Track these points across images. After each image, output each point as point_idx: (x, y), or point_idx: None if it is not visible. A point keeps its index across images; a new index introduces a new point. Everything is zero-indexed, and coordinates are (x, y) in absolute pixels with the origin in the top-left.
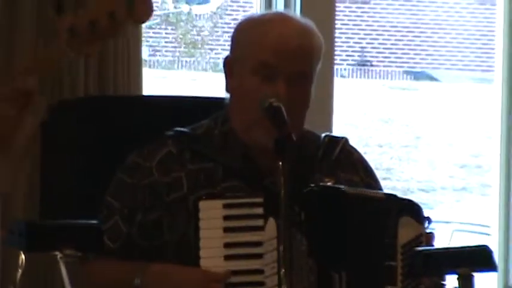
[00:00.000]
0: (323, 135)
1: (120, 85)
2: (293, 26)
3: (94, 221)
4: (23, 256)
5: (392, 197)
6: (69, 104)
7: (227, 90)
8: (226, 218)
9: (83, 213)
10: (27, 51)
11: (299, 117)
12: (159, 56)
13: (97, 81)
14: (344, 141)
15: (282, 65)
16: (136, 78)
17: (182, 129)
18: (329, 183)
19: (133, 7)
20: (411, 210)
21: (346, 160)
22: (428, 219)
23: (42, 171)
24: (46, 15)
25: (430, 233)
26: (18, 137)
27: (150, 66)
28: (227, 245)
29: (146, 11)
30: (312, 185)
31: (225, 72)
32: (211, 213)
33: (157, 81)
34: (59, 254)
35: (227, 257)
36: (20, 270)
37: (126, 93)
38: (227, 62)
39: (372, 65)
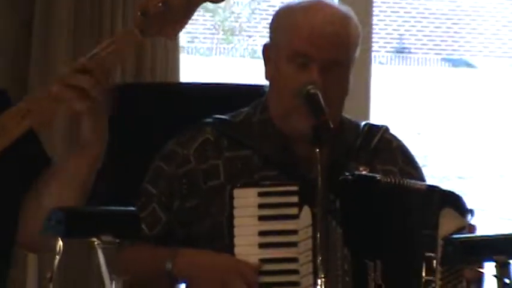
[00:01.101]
0: (363, 123)
1: (158, 72)
2: (329, 13)
3: (131, 208)
4: (60, 243)
5: (434, 188)
6: (107, 91)
7: (266, 77)
8: (261, 206)
9: (121, 200)
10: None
11: (336, 104)
12: (197, 42)
13: (134, 68)
14: (384, 129)
15: (316, 53)
16: (174, 65)
17: (220, 116)
18: (364, 172)
19: None
20: (454, 202)
21: (385, 149)
22: (471, 211)
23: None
24: (82, 9)
25: (473, 225)
26: (81, 129)
27: (188, 53)
28: (261, 233)
29: None
30: (347, 173)
31: (264, 60)
32: (246, 202)
33: (195, 68)
34: (96, 241)
35: (261, 245)
36: (57, 257)
37: (164, 80)
38: (265, 49)
39: (410, 52)
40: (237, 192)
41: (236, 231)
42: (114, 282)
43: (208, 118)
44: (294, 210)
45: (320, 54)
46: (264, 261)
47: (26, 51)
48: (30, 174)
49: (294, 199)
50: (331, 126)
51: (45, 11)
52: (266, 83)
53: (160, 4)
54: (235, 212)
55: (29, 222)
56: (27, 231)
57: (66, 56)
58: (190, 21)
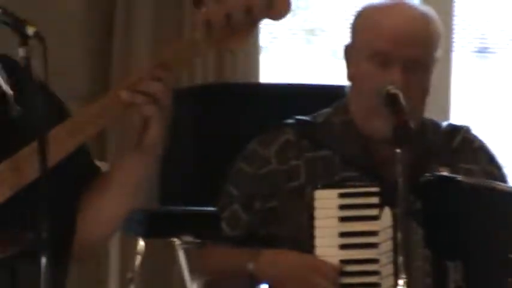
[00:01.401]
0: (444, 124)
1: (239, 72)
2: (409, 13)
3: (212, 208)
4: (141, 243)
5: None
6: (188, 92)
7: (348, 78)
8: (341, 207)
9: (201, 201)
10: (146, 49)
11: (417, 104)
12: (278, 42)
13: (215, 69)
14: (465, 130)
15: (397, 52)
16: (255, 66)
17: (301, 117)
18: (445, 173)
19: (273, 4)
20: None
21: (467, 149)
22: None
23: (161, 158)
24: (163, 13)
25: None
26: (146, 135)
27: (268, 53)
28: (342, 235)
29: (285, 9)
30: (428, 174)
31: (345, 60)
32: (327, 203)
33: (276, 68)
34: (177, 241)
35: (342, 246)
36: (138, 257)
37: (245, 81)
38: (347, 49)
39: (492, 52)
40: (317, 193)
41: (317, 232)
42: (194, 283)
43: (289, 119)
44: (374, 211)
45: (401, 53)
46: (345, 262)
47: (108, 55)
48: (82, 183)
49: (375, 200)
50: (412, 126)
51: (126, 14)
52: (347, 83)
53: (222, 17)
54: (316, 213)
55: (83, 232)
56: (80, 241)
57: (148, 60)
58: (270, 21)
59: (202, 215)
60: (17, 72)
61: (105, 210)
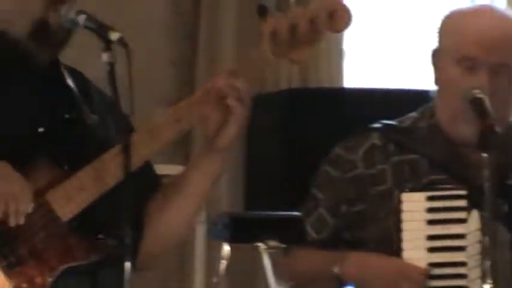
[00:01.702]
0: None
1: (323, 77)
2: (497, 17)
3: (297, 213)
4: (226, 248)
5: None
6: (273, 97)
7: (435, 82)
8: (429, 210)
9: (287, 205)
10: (229, 57)
11: (504, 109)
12: (361, 47)
13: (300, 74)
14: None
15: (484, 56)
16: (338, 70)
17: (387, 121)
18: None
19: (335, 16)
20: None
21: None
22: None
23: (246, 163)
24: (247, 22)
25: None
26: (222, 138)
27: (352, 58)
28: (430, 237)
29: (346, 21)
30: None
31: (433, 65)
32: (414, 206)
33: (359, 72)
34: (262, 246)
35: (430, 249)
36: (223, 262)
37: (329, 85)
38: (434, 54)
39: None
40: (405, 196)
41: (404, 235)
42: (280, 287)
43: (375, 123)
44: (462, 214)
45: (488, 57)
46: (433, 265)
47: (192, 62)
48: (148, 193)
49: (463, 203)
50: (498, 131)
51: (210, 21)
52: (434, 88)
53: (287, 28)
54: (404, 216)
55: (149, 239)
56: (148, 248)
57: (231, 64)
58: (353, 25)
59: (287, 220)
60: (82, 80)
61: (176, 216)
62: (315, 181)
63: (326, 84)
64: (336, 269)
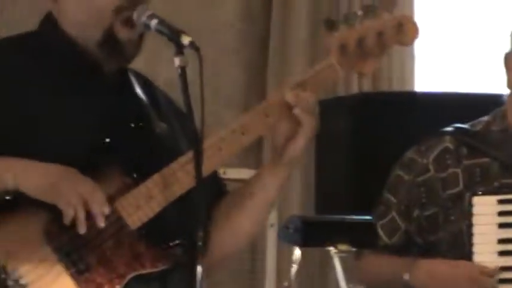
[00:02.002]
0: None
1: (394, 81)
2: None
3: (368, 217)
4: (297, 252)
5: None
6: (343, 101)
7: (508, 85)
8: (501, 213)
9: (357, 209)
10: (300, 61)
11: None
12: (432, 50)
13: (371, 78)
14: None
15: None
16: (409, 74)
17: (460, 125)
18: None
19: (402, 29)
20: None
21: None
22: None
23: (317, 167)
24: (317, 26)
25: None
26: (290, 151)
27: (423, 61)
28: (501, 241)
29: (413, 35)
30: None
31: (506, 68)
32: (486, 209)
33: (431, 76)
34: (333, 249)
35: (501, 253)
36: (294, 266)
37: (400, 89)
38: (507, 57)
39: None
40: (476, 199)
41: (475, 239)
42: None
43: (448, 127)
44: None
45: None
46: (504, 269)
47: (263, 67)
48: (213, 199)
49: None
50: None
51: (281, 25)
52: (506, 91)
53: (355, 41)
54: (475, 220)
55: (217, 246)
56: (213, 255)
57: (302, 68)
58: (424, 30)
59: (359, 223)
60: (151, 88)
61: (243, 223)
62: (387, 185)
63: (397, 88)
64: (407, 276)
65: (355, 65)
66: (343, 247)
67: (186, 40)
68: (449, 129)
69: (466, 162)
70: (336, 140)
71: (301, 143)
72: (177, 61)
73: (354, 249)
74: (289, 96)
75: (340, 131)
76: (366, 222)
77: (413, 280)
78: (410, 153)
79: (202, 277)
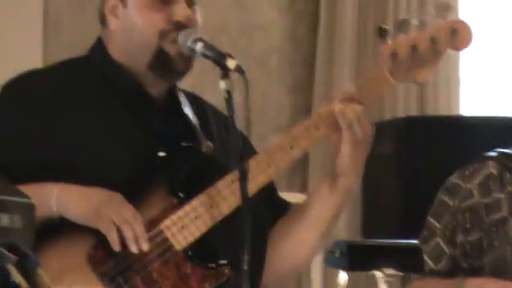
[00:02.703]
0: None
1: (440, 105)
2: None
3: (415, 241)
4: (343, 275)
5: None
6: (390, 125)
7: None
8: None
9: (404, 233)
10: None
11: None
12: (476, 74)
13: (417, 102)
14: None
15: None
16: (455, 98)
17: (504, 150)
18: None
19: (456, 34)
20: None
21: None
22: None
23: (363, 191)
24: (363, 49)
25: None
26: (339, 159)
27: (468, 86)
28: None
29: (468, 39)
30: None
31: None
32: None
33: (476, 100)
34: (379, 274)
35: None
36: None
37: (446, 113)
38: None
39: None
40: None
41: None
42: None
43: (491, 152)
44: None
45: None
46: None
47: (309, 88)
48: (272, 218)
49: None
50: None
51: (327, 49)
52: None
53: (408, 48)
54: None
55: (275, 264)
56: (271, 273)
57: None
58: (469, 53)
59: (405, 248)
60: (202, 108)
61: (302, 242)
62: (431, 210)
63: (443, 112)
64: None
65: (408, 74)
66: (390, 271)
67: (232, 64)
68: (492, 154)
69: (509, 188)
70: (382, 163)
71: (346, 151)
72: (222, 84)
73: (400, 273)
74: (338, 108)
75: (386, 154)
76: (412, 246)
77: None
78: (454, 178)
79: None
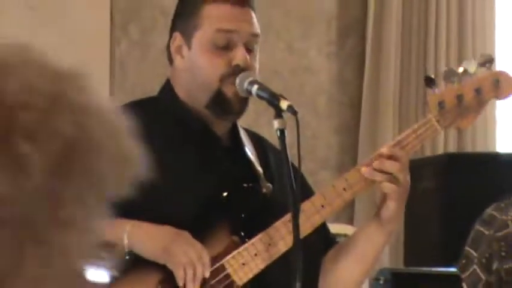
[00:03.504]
0: None
1: (478, 142)
2: None
3: (453, 269)
4: None
5: None
6: (431, 161)
7: None
8: None
9: (444, 261)
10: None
11: None
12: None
13: (456, 138)
14: None
15: None
16: (492, 136)
17: None
18: None
19: (499, 85)
20: None
21: None
22: None
23: (406, 222)
24: (406, 91)
25: None
26: (385, 210)
27: (505, 124)
28: None
29: (510, 89)
30: None
31: None
32: None
33: None
34: None
35: None
36: None
37: (484, 150)
38: None
39: None
40: None
41: None
42: None
43: None
44: None
45: None
46: None
47: (355, 129)
48: (323, 253)
49: None
50: None
51: (372, 91)
52: None
53: (454, 97)
54: None
55: None
56: None
57: (393, 135)
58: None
59: (445, 275)
60: (262, 147)
61: (346, 275)
62: (468, 240)
63: (481, 148)
64: None
65: (453, 121)
66: None
67: (284, 104)
68: None
69: None
70: (423, 197)
71: (392, 205)
72: (276, 124)
73: None
74: (385, 155)
75: (427, 188)
76: (452, 273)
77: None
78: (490, 210)
79: None
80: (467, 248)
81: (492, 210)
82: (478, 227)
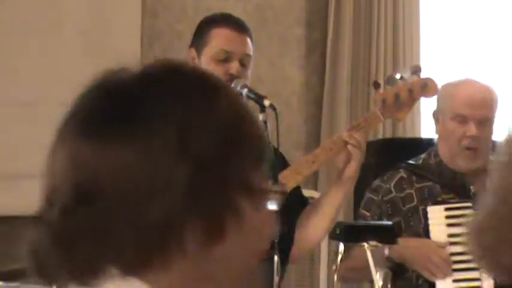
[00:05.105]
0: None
1: (408, 129)
2: (478, 85)
3: (389, 222)
4: (342, 246)
5: None
6: (369, 144)
7: (436, 132)
8: (447, 217)
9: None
10: (344, 119)
11: (487, 149)
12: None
13: (391, 127)
14: None
15: (471, 113)
16: (418, 124)
17: (409, 161)
18: None
19: (427, 87)
20: None
21: None
22: None
23: (355, 190)
24: (357, 90)
25: None
26: (346, 173)
27: (430, 112)
28: (450, 235)
29: (434, 91)
30: None
31: (434, 121)
32: (437, 215)
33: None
34: (366, 245)
35: (451, 243)
36: (340, 256)
37: (411, 136)
38: (434, 113)
39: None
40: (430, 209)
41: (432, 235)
42: (378, 272)
43: (401, 163)
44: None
45: (474, 114)
46: (452, 254)
47: (318, 120)
48: (299, 209)
49: (470, 211)
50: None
51: (331, 93)
52: (435, 136)
53: (393, 96)
54: (430, 223)
55: (301, 242)
56: (298, 248)
57: (346, 125)
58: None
59: (381, 227)
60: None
61: (317, 227)
62: (362, 204)
63: (409, 134)
64: (386, 252)
65: (393, 114)
66: (373, 243)
67: (267, 103)
68: (402, 164)
69: (416, 185)
70: (364, 170)
71: (354, 167)
72: (260, 117)
73: (380, 244)
74: (346, 136)
75: (368, 164)
76: (386, 226)
77: (392, 253)
78: (376, 182)
79: (279, 264)
80: (362, 210)
81: (378, 182)
82: (368, 194)
